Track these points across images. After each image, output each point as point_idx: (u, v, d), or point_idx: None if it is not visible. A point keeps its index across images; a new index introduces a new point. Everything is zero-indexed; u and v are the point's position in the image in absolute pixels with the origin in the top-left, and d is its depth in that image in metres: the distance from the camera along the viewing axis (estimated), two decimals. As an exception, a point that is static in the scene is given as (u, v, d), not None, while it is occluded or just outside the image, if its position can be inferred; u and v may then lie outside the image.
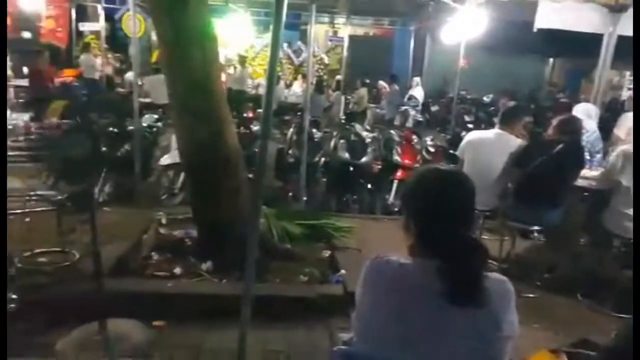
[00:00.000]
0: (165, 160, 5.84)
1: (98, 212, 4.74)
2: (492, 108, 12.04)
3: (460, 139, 4.79)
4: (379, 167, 5.87)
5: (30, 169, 4.85)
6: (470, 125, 9.54)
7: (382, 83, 11.21)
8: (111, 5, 12.49)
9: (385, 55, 15.44)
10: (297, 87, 11.79)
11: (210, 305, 3.20)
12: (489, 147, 4.04)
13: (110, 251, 3.76)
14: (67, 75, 11.11)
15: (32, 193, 3.94)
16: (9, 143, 3.85)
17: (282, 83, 10.77)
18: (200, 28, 3.33)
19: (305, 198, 5.53)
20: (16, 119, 5.62)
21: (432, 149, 6.44)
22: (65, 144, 4.41)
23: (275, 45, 2.30)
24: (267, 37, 13.30)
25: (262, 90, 11.67)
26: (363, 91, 10.63)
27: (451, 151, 6.03)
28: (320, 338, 3.06)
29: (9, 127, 5.15)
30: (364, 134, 6.05)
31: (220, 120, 3.58)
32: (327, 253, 4.11)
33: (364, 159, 5.70)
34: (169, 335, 2.99)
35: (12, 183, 3.84)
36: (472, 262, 1.20)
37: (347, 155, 5.74)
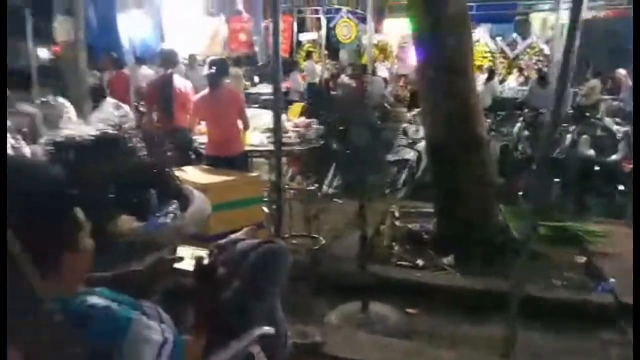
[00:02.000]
0: (390, 156, 6.05)
1: (330, 203, 5.15)
2: None
3: None
4: (631, 166, 5.09)
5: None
6: None
7: (621, 71, 9.74)
8: (327, 15, 13.43)
9: (620, 40, 13.44)
10: (512, 81, 11.07)
11: (458, 298, 3.16)
12: None
13: (353, 239, 3.99)
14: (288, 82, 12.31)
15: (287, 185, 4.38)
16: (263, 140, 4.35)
17: (495, 78, 10.17)
18: (456, 16, 3.31)
19: (536, 197, 5.09)
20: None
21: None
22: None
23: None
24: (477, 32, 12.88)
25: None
26: (594, 82, 9.42)
27: None
28: (594, 349, 2.74)
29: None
30: (615, 128, 5.32)
31: (470, 106, 3.51)
32: (581, 258, 3.69)
33: (613, 157, 5.01)
34: (421, 322, 3.01)
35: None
36: None
37: (591, 151, 5.11)
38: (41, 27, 9.65)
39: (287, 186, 4.16)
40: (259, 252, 1.75)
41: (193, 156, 4.27)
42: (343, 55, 14.27)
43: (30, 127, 2.91)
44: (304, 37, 14.02)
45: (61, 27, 6.53)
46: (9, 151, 2.13)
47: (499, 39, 12.41)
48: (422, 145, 6.06)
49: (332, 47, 14.59)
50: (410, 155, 5.97)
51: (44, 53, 15.41)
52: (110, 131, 2.06)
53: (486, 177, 3.65)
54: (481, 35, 12.74)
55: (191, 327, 1.50)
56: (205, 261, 1.61)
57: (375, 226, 4.29)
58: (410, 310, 3.09)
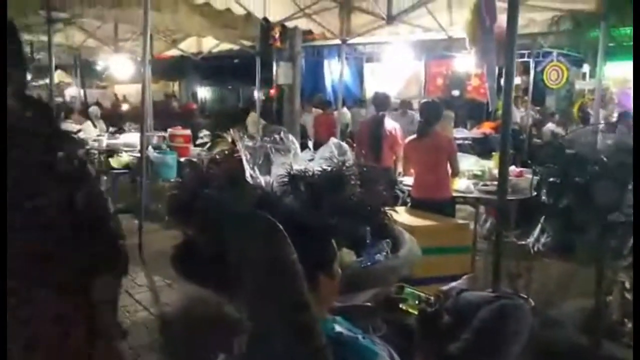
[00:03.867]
0: (616, 217, 5.25)
1: (539, 262, 4.65)
2: None
3: None
4: None
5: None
6: None
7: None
8: (536, 59, 12.64)
9: None
10: None
11: None
12: None
13: (572, 307, 3.51)
14: (486, 127, 11.81)
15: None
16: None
17: None
18: None
19: None
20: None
21: None
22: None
23: None
24: None
25: None
26: None
27: None
28: None
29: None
30: None
31: None
32: None
33: None
34: None
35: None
36: None
37: None
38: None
39: (506, 238, 3.87)
40: (497, 307, 1.57)
41: (400, 197, 4.28)
42: (550, 101, 13.22)
43: (264, 160, 3.19)
44: (506, 81, 13.38)
45: (282, 72, 7.39)
46: (251, 180, 2.32)
47: None
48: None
49: (538, 92, 13.61)
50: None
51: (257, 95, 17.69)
52: (336, 168, 2.14)
53: None
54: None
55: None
56: (431, 306, 1.54)
57: (599, 296, 3.69)
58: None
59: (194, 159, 6.37)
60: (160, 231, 5.11)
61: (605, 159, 7.51)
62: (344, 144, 3.41)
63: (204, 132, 8.69)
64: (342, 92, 8.05)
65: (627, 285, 3.87)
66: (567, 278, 4.18)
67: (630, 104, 11.51)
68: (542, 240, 5.56)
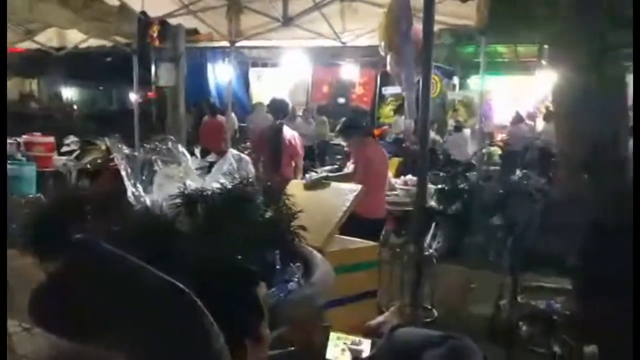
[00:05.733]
0: (496, 220, 5.55)
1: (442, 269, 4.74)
2: None
3: None
4: None
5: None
6: None
7: None
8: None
9: None
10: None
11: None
12: None
13: (471, 313, 3.54)
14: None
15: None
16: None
17: None
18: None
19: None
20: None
21: None
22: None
23: None
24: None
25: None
26: None
27: None
28: None
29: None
30: None
31: None
32: None
33: None
34: None
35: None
36: None
37: None
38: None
39: (398, 249, 3.80)
40: (446, 351, 1.37)
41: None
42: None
43: (148, 174, 2.75)
44: (388, 91, 13.97)
45: (163, 74, 6.78)
46: (134, 200, 1.91)
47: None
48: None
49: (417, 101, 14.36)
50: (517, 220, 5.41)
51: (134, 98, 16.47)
52: (237, 186, 1.84)
53: None
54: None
55: None
56: (361, 354, 1.36)
57: (494, 301, 3.80)
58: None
59: (61, 170, 5.54)
60: (16, 258, 4.28)
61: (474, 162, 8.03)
62: (245, 156, 3.04)
63: (71, 139, 7.72)
64: (231, 97, 7.69)
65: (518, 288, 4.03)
66: (461, 283, 4.28)
67: (491, 113, 12.65)
68: (434, 245, 5.73)
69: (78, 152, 7.30)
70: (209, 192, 1.73)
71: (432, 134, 11.56)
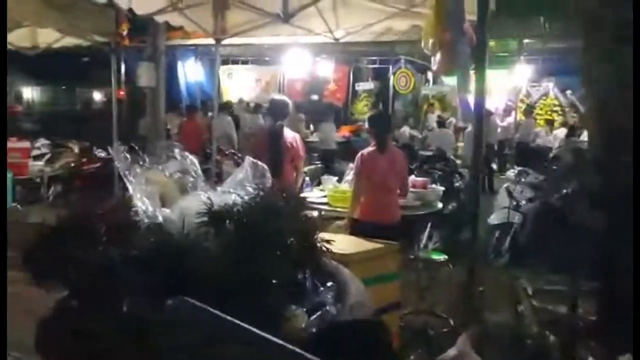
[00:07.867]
0: (493, 219, 5.55)
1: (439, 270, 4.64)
2: None
3: None
4: None
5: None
6: None
7: None
8: (384, 66, 13.28)
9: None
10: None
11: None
12: None
13: (489, 321, 3.45)
14: (345, 131, 12.04)
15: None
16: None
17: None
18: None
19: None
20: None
21: None
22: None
23: None
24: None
25: (540, 141, 10.71)
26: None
27: None
28: None
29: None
30: None
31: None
32: None
33: None
34: None
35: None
36: None
37: None
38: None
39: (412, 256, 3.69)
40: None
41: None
42: (397, 105, 14.00)
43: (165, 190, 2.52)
44: (361, 87, 13.89)
45: (144, 73, 6.42)
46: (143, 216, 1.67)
47: (568, 92, 11.93)
48: (527, 207, 5.55)
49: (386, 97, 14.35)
50: (515, 219, 5.44)
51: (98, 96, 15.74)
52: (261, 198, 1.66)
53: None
54: (550, 88, 12.32)
55: None
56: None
57: (511, 306, 3.72)
58: None
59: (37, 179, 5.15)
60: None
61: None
62: (261, 163, 2.79)
63: (42, 142, 7.25)
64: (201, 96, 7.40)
65: (529, 290, 3.97)
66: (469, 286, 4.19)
67: (468, 107, 12.74)
68: (430, 245, 5.68)
69: (49, 155, 6.90)
70: (237, 208, 1.54)
71: (408, 129, 11.52)
